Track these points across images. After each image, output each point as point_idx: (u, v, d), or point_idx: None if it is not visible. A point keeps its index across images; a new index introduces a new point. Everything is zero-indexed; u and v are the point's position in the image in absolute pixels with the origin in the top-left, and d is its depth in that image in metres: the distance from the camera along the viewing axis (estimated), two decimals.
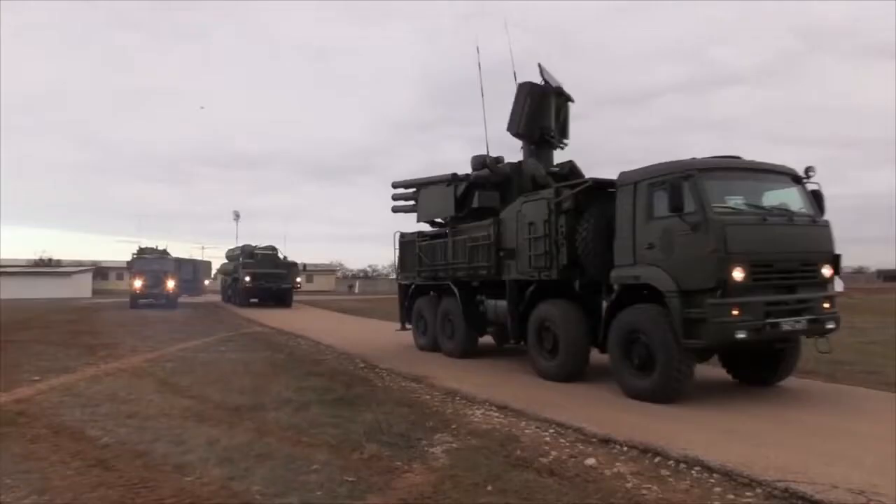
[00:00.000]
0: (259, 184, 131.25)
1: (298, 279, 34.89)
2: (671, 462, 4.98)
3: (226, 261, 39.79)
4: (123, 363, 10.77)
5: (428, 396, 7.97)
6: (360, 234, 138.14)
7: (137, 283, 30.42)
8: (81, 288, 48.15)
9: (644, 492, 4.37)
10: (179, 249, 72.32)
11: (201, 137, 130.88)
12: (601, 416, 6.50)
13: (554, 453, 5.30)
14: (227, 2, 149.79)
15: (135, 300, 30.28)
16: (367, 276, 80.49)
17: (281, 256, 33.33)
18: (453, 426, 6.28)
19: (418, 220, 13.24)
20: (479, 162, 11.46)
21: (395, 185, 14.04)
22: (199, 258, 52.94)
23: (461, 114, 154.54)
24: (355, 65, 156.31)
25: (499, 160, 11.58)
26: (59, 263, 59.77)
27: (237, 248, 35.81)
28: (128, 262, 35.33)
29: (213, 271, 52.73)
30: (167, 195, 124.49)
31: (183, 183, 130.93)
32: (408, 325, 13.55)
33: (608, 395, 7.75)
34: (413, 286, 13.25)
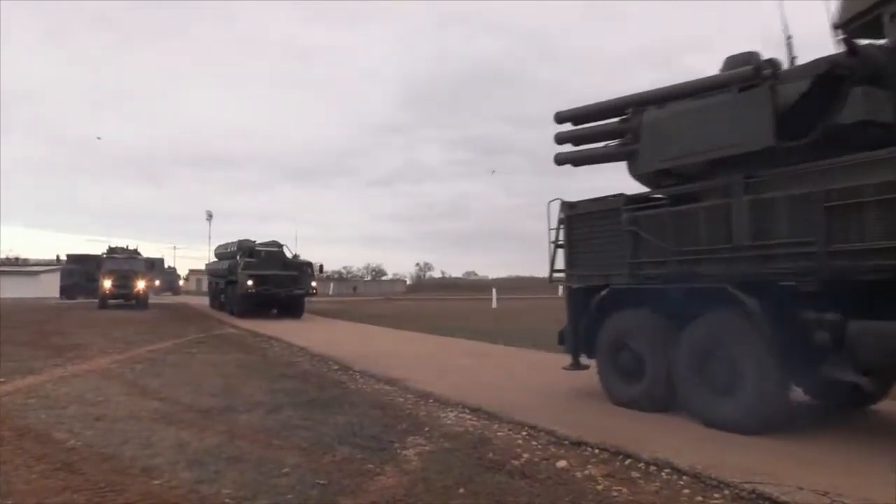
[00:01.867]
0: (233, 184, 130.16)
1: (314, 284, 28.69)
2: (641, 464, 5.03)
3: (215, 259, 33.08)
4: (92, 364, 10.56)
5: (401, 399, 7.95)
6: (334, 237, 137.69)
7: (107, 284, 29.89)
8: (49, 287, 47.11)
9: (615, 493, 4.41)
10: (151, 249, 71.11)
11: (175, 137, 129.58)
12: (574, 420, 6.53)
13: (526, 456, 5.33)
14: (203, 1, 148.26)
15: (104, 300, 29.74)
16: (342, 278, 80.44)
17: (289, 254, 26.77)
18: (426, 429, 6.28)
19: (638, 171, 7.56)
20: (745, 60, 6.54)
21: (560, 118, 8.36)
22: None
23: (438, 116, 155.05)
24: (332, 66, 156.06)
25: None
26: (26, 262, 58.46)
27: (232, 243, 28.91)
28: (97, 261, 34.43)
29: (186, 272, 51.67)
30: (139, 194, 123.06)
31: (155, 182, 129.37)
32: (584, 360, 8.13)
33: (581, 399, 7.81)
34: (606, 292, 7.52)
